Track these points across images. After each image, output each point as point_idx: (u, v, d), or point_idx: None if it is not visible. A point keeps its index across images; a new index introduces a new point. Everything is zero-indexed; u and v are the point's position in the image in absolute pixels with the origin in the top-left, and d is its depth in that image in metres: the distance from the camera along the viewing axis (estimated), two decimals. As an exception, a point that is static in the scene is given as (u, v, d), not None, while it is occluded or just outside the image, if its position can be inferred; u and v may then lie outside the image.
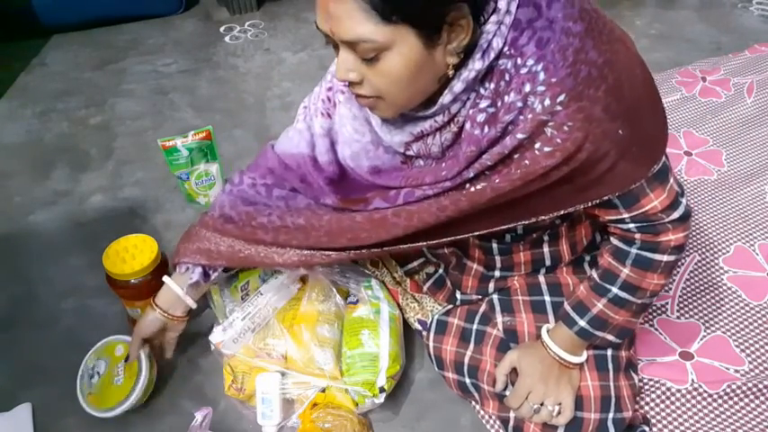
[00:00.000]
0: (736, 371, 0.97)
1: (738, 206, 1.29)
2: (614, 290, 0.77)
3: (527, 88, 0.61)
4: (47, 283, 1.20)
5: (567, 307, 0.81)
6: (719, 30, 2.04)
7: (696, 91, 1.64)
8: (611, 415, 0.80)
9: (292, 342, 0.92)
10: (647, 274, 0.75)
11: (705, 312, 1.08)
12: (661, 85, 1.66)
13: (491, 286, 0.93)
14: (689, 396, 0.94)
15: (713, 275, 1.15)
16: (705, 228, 1.25)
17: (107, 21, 2.17)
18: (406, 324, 1.02)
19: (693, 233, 1.23)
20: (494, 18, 0.61)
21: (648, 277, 0.75)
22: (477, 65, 0.62)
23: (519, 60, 0.61)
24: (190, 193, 1.34)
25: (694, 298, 1.10)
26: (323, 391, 0.92)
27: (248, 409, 0.94)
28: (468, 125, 0.66)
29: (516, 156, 0.64)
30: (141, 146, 1.57)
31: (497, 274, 0.92)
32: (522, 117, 0.62)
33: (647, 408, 0.93)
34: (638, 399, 0.92)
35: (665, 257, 0.74)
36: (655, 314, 1.07)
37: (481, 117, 0.65)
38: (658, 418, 0.92)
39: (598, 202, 0.69)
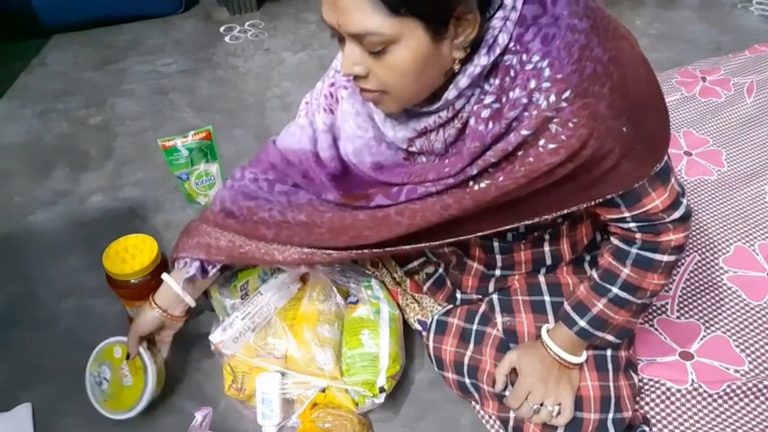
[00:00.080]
0: (736, 371, 0.97)
1: (738, 206, 1.29)
2: (614, 290, 0.77)
3: (532, 84, 0.60)
4: (47, 283, 1.20)
5: (567, 307, 0.81)
6: (719, 30, 2.04)
7: (696, 91, 1.64)
8: (610, 415, 0.80)
9: (294, 341, 0.92)
10: (647, 274, 0.75)
11: (705, 312, 1.08)
12: (661, 84, 1.64)
13: (491, 286, 0.92)
14: (689, 396, 0.94)
15: (713, 275, 1.15)
16: (705, 228, 1.25)
17: (107, 21, 2.17)
18: (406, 324, 1.02)
19: (693, 233, 1.23)
20: (500, 14, 0.61)
21: (649, 277, 0.75)
22: (482, 60, 0.62)
23: (524, 56, 0.61)
24: (190, 193, 1.34)
25: (694, 298, 1.10)
26: (323, 391, 0.92)
27: (248, 409, 0.94)
28: (472, 121, 0.66)
29: (520, 153, 0.64)
30: (141, 146, 1.57)
31: (498, 273, 0.92)
32: (526, 113, 0.62)
33: (647, 408, 0.93)
34: (638, 399, 0.92)
35: (666, 257, 0.74)
36: (655, 314, 1.07)
37: (486, 113, 0.64)
38: (658, 418, 0.92)
39: (601, 201, 0.69)
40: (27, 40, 2.09)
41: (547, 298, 0.89)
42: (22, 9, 2.01)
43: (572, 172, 0.64)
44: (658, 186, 0.70)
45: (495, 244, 0.88)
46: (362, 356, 0.91)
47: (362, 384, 0.88)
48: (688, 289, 1.12)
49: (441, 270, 0.96)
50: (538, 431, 0.82)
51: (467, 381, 0.90)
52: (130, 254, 0.99)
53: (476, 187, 0.67)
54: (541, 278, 0.91)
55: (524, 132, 0.62)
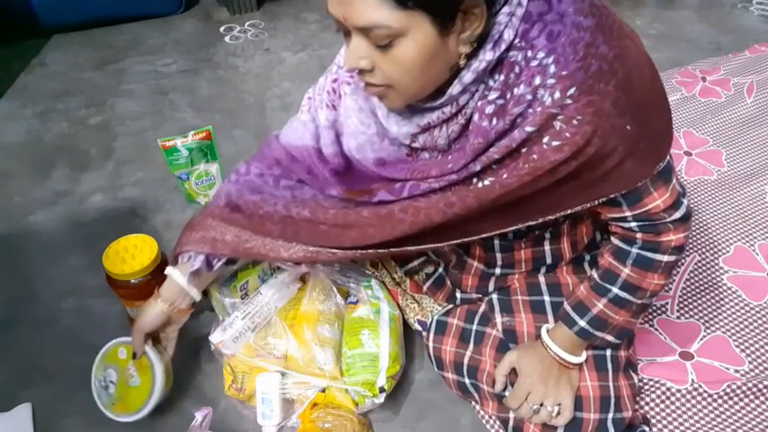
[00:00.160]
0: (736, 371, 0.97)
1: (738, 206, 1.29)
2: (615, 290, 0.77)
3: (537, 81, 0.60)
4: (47, 283, 1.20)
5: (566, 307, 0.81)
6: (719, 30, 2.04)
7: (696, 91, 1.64)
8: (610, 415, 0.80)
9: (294, 341, 0.92)
10: (647, 274, 0.75)
11: (705, 312, 1.08)
12: (661, 85, 1.66)
13: (491, 285, 0.92)
14: (689, 396, 0.94)
15: (713, 275, 1.15)
16: (705, 228, 1.25)
17: (107, 21, 2.17)
18: (406, 324, 1.02)
19: (693, 233, 1.23)
20: (506, 9, 0.60)
21: (649, 277, 0.75)
22: (487, 56, 0.62)
23: (529, 53, 0.61)
24: (190, 193, 1.34)
25: (694, 298, 1.10)
26: (323, 391, 0.92)
27: (248, 409, 0.94)
28: (476, 117, 0.66)
29: (524, 150, 0.63)
30: (141, 146, 1.57)
31: (498, 271, 0.92)
32: (531, 110, 0.62)
33: (647, 408, 0.93)
34: (638, 399, 0.92)
35: (666, 258, 0.74)
36: (655, 314, 1.07)
37: (490, 109, 0.64)
38: (658, 418, 0.91)
39: (605, 200, 0.69)
40: (27, 40, 2.09)
41: (546, 298, 0.89)
42: (22, 9, 2.01)
43: (576, 170, 0.64)
44: (660, 186, 0.70)
45: (496, 242, 0.88)
46: (362, 356, 0.91)
47: (362, 384, 0.88)
48: (688, 289, 1.12)
49: (440, 270, 0.96)
50: (538, 431, 0.82)
51: (466, 381, 0.90)
52: (130, 254, 0.99)
53: (480, 185, 0.67)
54: (541, 278, 0.91)
55: (528, 129, 0.62)
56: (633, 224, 0.73)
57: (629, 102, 0.62)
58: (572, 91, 0.59)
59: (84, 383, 0.93)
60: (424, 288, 0.98)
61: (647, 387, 0.95)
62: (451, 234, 0.75)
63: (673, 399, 0.93)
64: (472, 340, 0.90)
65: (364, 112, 0.76)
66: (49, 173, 1.50)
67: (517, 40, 0.61)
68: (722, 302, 1.09)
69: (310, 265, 0.98)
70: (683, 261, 1.17)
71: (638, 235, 0.74)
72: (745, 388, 0.94)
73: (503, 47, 0.61)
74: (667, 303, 1.09)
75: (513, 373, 0.83)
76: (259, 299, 0.95)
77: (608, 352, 0.84)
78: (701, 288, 1.12)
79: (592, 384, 0.81)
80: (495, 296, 0.93)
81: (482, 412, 0.93)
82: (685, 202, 0.73)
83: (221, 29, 2.17)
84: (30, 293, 1.18)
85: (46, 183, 1.46)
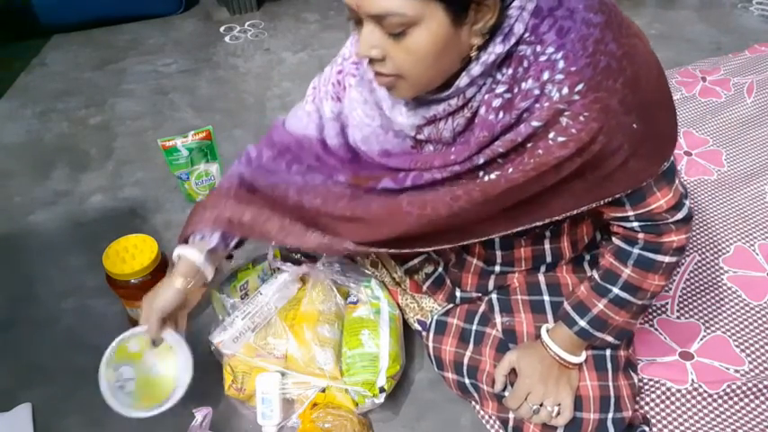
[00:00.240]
0: (736, 371, 0.97)
1: (738, 206, 1.29)
2: (615, 290, 0.77)
3: (545, 76, 0.60)
4: (47, 283, 1.20)
5: (567, 307, 0.81)
6: (719, 30, 2.04)
7: (696, 91, 1.64)
8: (610, 415, 0.80)
9: (294, 341, 0.92)
10: (648, 274, 0.75)
11: (705, 312, 1.08)
12: (661, 85, 1.66)
13: (491, 283, 0.92)
14: (689, 396, 0.94)
15: (713, 275, 1.15)
16: (705, 228, 1.25)
17: (107, 21, 2.17)
18: (406, 324, 1.02)
19: (693, 233, 1.23)
20: (517, 3, 0.60)
21: (650, 278, 0.75)
22: (497, 49, 0.62)
23: (539, 48, 0.61)
24: (190, 193, 1.34)
25: (694, 298, 1.10)
26: (323, 391, 0.92)
27: (248, 409, 0.94)
28: (482, 110, 0.66)
29: (530, 144, 0.63)
30: (141, 146, 1.57)
31: (497, 269, 0.92)
32: (538, 105, 0.61)
33: (647, 408, 0.93)
34: (638, 399, 0.92)
35: (667, 258, 0.74)
36: (655, 314, 1.07)
37: (497, 102, 0.64)
38: (658, 418, 0.92)
39: (610, 200, 0.69)
40: (27, 40, 2.09)
41: (546, 298, 0.89)
42: (22, 9, 2.01)
43: (580, 168, 0.64)
44: (663, 186, 0.70)
45: (496, 239, 0.88)
46: (362, 356, 0.91)
47: (362, 384, 0.88)
48: (688, 289, 1.12)
49: (440, 269, 0.96)
50: (537, 431, 0.82)
51: (466, 381, 0.90)
52: (130, 254, 0.99)
53: (485, 179, 0.67)
54: (541, 277, 0.91)
55: (535, 124, 0.62)
56: (635, 224, 0.73)
57: (635, 100, 0.62)
58: (580, 87, 0.59)
59: (84, 383, 0.92)
60: (424, 288, 0.98)
61: (646, 387, 0.95)
62: (460, 235, 0.75)
63: (673, 399, 0.93)
64: (472, 340, 0.90)
65: (369, 104, 0.76)
66: (49, 173, 1.50)
67: (527, 35, 0.61)
68: (722, 302, 1.09)
69: (310, 266, 0.99)
70: (683, 261, 1.17)
71: (640, 235, 0.74)
72: (745, 388, 0.94)
73: (512, 40, 0.61)
74: (667, 303, 1.09)
75: (513, 373, 0.83)
76: (259, 299, 0.95)
77: (608, 352, 0.84)
78: (701, 288, 1.12)
79: (591, 384, 0.81)
80: (494, 296, 0.93)
81: (482, 412, 0.93)
82: (687, 203, 0.73)
83: (221, 29, 2.17)
84: (30, 293, 1.18)
85: (46, 183, 1.46)
